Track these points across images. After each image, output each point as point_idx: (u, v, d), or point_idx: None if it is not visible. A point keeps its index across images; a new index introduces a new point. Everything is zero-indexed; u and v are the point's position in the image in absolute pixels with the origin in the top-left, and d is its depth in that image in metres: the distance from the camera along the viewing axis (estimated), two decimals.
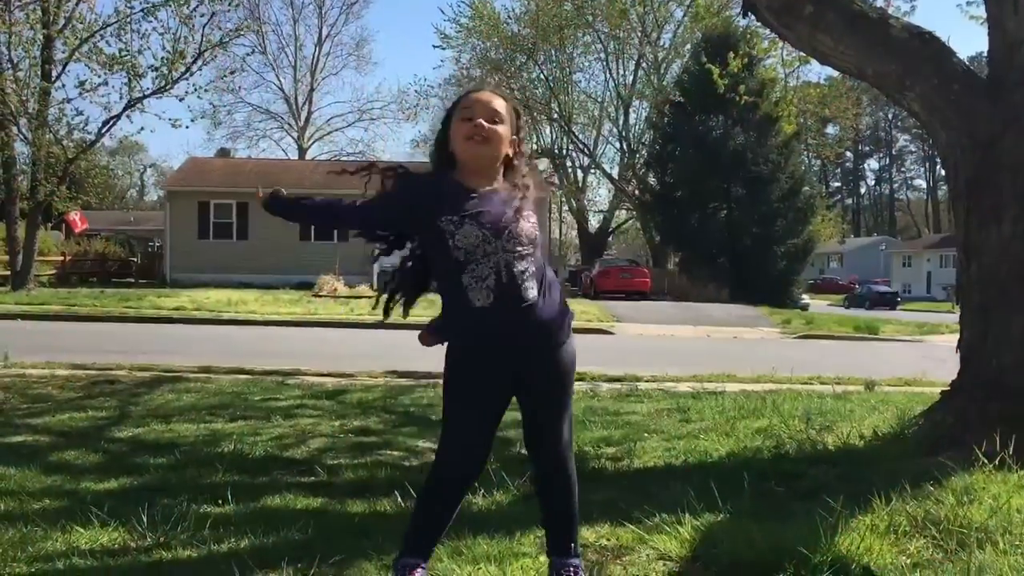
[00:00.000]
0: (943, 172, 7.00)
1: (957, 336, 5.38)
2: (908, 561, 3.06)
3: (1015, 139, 4.87)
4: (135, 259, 36.41)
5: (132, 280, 32.39)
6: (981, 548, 3.11)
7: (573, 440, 2.79)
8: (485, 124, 2.58)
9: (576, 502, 2.79)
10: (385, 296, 2.89)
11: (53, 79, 22.52)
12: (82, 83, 21.97)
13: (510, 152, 2.66)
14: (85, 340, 12.97)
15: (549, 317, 2.60)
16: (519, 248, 2.52)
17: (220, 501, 3.93)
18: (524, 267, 2.52)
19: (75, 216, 31.09)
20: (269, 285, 27.09)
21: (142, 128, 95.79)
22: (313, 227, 30.50)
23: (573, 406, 2.78)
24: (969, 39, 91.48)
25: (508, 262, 2.50)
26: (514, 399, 2.73)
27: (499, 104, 2.64)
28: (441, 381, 2.71)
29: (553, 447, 2.73)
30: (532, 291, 2.54)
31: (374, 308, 2.90)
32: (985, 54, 5.43)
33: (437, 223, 2.53)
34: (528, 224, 2.55)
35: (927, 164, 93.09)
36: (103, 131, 23.77)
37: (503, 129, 2.62)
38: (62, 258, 30.91)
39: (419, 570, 2.72)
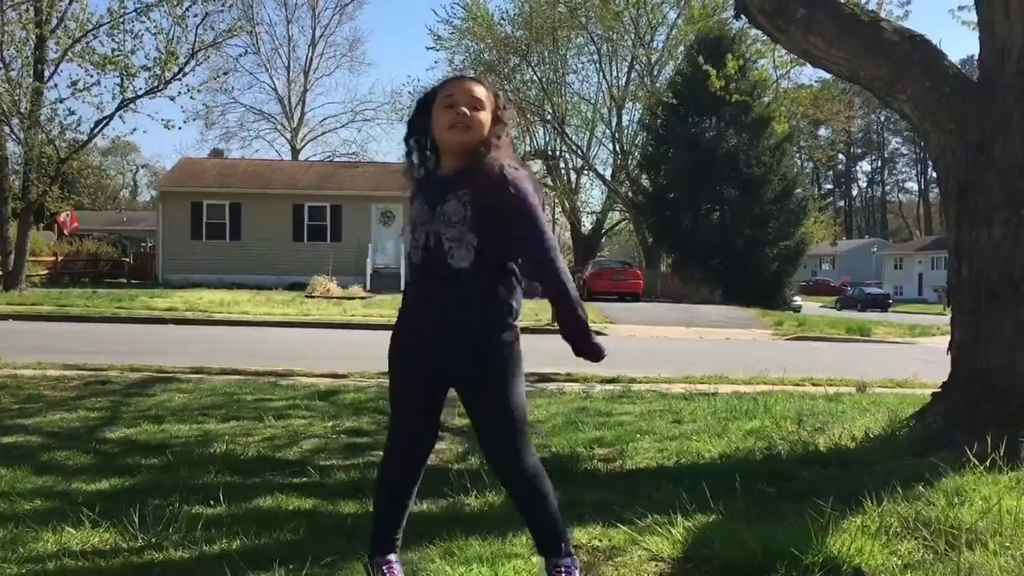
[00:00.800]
0: (935, 175, 7.02)
1: (948, 338, 5.40)
2: (899, 562, 3.07)
3: (1006, 141, 4.89)
4: (127, 259, 36.31)
5: (124, 280, 32.31)
6: (971, 549, 3.12)
7: (526, 444, 2.69)
8: (467, 112, 2.64)
9: (549, 502, 2.72)
10: None
11: (46, 79, 22.45)
12: (75, 83, 21.91)
13: (494, 140, 2.70)
14: (77, 340, 12.94)
15: (476, 294, 2.62)
16: (447, 221, 2.62)
17: (212, 502, 3.92)
18: (453, 235, 2.61)
19: (66, 217, 30.99)
20: (262, 286, 27.06)
21: (135, 128, 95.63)
22: (306, 230, 30.61)
23: (520, 408, 2.67)
24: (960, 43, 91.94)
25: (438, 230, 2.63)
26: None
27: (479, 91, 2.71)
28: None
29: (495, 454, 2.73)
30: (460, 261, 2.60)
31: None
32: (976, 57, 5.46)
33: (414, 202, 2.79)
34: (458, 206, 2.60)
35: (919, 167, 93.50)
36: (96, 131, 23.71)
37: (484, 116, 2.68)
38: (54, 258, 30.82)
39: (394, 564, 2.81)
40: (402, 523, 2.87)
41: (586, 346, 2.66)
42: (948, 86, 5.15)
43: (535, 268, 2.65)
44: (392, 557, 2.83)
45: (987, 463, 4.12)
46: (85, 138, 23.97)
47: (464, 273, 2.60)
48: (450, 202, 2.62)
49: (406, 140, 2.82)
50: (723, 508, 3.68)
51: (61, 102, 22.79)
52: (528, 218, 2.59)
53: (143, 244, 44.07)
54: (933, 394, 5.50)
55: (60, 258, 31.29)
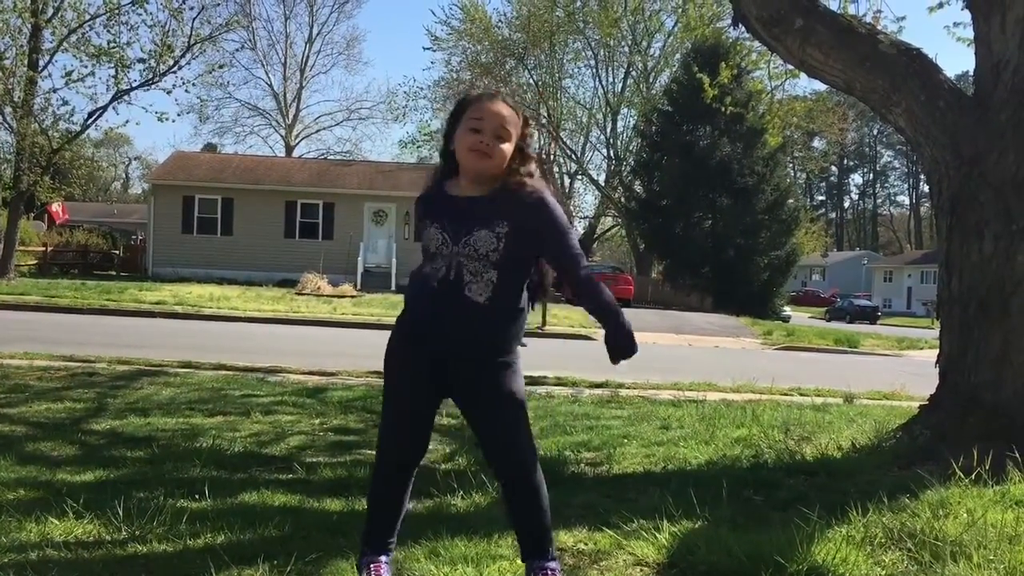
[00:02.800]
0: (927, 189, 7.04)
1: (936, 352, 5.42)
2: (883, 572, 3.08)
3: (999, 157, 4.92)
4: (117, 252, 36.12)
5: (114, 273, 32.15)
6: (955, 561, 3.13)
7: (534, 448, 2.77)
8: (489, 143, 2.62)
9: (547, 507, 2.77)
10: None
11: (40, 68, 22.34)
12: (69, 73, 21.78)
13: (514, 164, 2.69)
14: (64, 332, 12.88)
15: (485, 326, 2.65)
16: (473, 255, 2.60)
17: (197, 496, 3.91)
18: (475, 269, 2.61)
19: (57, 207, 30.83)
20: (252, 282, 26.98)
21: (128, 120, 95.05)
22: (298, 227, 30.56)
23: (525, 424, 2.74)
24: (955, 59, 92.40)
25: (459, 264, 2.61)
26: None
27: (508, 118, 2.67)
28: None
29: (505, 463, 2.75)
30: (477, 295, 2.62)
31: None
32: (971, 74, 5.49)
33: (425, 221, 2.71)
34: (490, 236, 2.59)
35: (911, 180, 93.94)
36: (89, 122, 23.60)
37: (507, 147, 2.65)
38: (44, 249, 30.64)
39: (383, 565, 2.79)
40: (396, 525, 2.85)
41: (622, 347, 2.71)
42: (943, 100, 5.17)
43: (579, 292, 2.71)
44: (383, 558, 2.81)
45: (972, 476, 4.13)
46: (78, 129, 23.85)
47: (479, 307, 2.62)
48: (481, 232, 2.60)
49: (443, 154, 2.80)
50: (709, 515, 3.69)
51: (55, 92, 22.79)
52: (567, 245, 2.65)
53: (133, 237, 43.83)
54: (920, 406, 5.52)
55: (50, 249, 31.11)
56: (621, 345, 2.67)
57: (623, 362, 2.69)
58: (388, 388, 2.80)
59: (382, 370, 2.81)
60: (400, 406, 2.77)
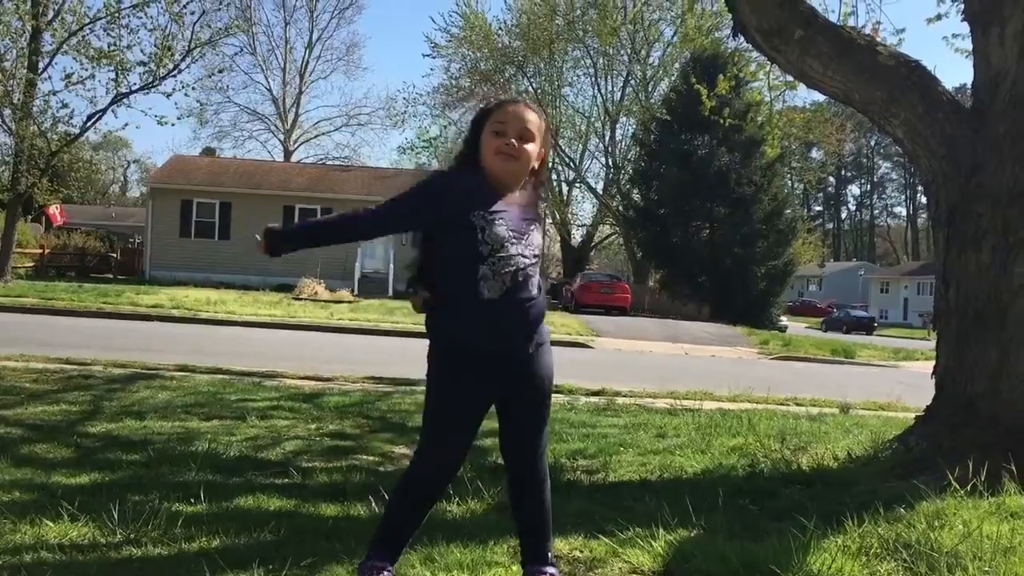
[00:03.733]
0: (924, 200, 7.06)
1: (932, 363, 5.43)
2: None
3: (996, 168, 4.93)
4: (115, 255, 36.10)
5: (111, 276, 32.12)
6: (951, 573, 3.13)
7: (548, 450, 2.85)
8: (516, 144, 2.64)
9: (549, 507, 2.84)
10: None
11: (40, 70, 22.34)
12: (68, 76, 21.77)
13: (536, 166, 2.75)
14: (61, 334, 12.86)
15: (541, 315, 2.74)
16: (533, 253, 2.69)
17: (192, 500, 3.90)
18: (533, 271, 2.69)
19: (55, 210, 30.82)
20: (249, 286, 26.97)
21: (127, 124, 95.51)
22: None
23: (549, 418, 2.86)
24: (954, 71, 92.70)
25: (523, 264, 2.64)
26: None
27: (532, 121, 2.70)
28: (422, 388, 2.74)
29: (531, 454, 2.79)
30: (535, 290, 2.70)
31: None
32: (969, 86, 5.51)
33: (469, 217, 2.61)
34: (539, 235, 2.73)
35: (908, 192, 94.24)
36: (88, 125, 23.59)
37: (532, 148, 2.69)
38: (41, 251, 30.64)
39: (387, 573, 2.77)
40: (411, 536, 2.86)
41: None
42: (941, 111, 5.19)
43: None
44: (390, 567, 2.79)
45: (968, 488, 4.14)
46: (77, 131, 23.82)
47: (536, 301, 2.70)
48: (535, 233, 2.71)
49: (460, 156, 2.83)
50: (705, 523, 3.69)
51: (54, 94, 22.75)
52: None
53: (131, 240, 43.80)
54: (916, 417, 5.52)
55: (47, 251, 31.10)
56: None
57: None
58: (445, 402, 2.71)
59: (419, 378, 2.86)
60: (457, 423, 2.71)
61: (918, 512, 3.87)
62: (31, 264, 29.04)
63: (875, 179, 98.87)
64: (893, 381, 13.98)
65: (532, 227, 2.70)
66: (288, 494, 4.20)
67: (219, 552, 3.14)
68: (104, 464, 4.66)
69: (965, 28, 5.67)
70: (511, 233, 2.62)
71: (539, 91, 41.76)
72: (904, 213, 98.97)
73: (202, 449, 5.15)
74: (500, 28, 41.34)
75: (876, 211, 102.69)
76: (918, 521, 3.70)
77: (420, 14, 75.42)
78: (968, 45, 5.58)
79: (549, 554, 2.78)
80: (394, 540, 2.80)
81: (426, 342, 2.77)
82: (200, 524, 3.50)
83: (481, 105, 2.95)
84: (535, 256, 2.70)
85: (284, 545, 3.27)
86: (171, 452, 5.04)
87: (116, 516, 3.43)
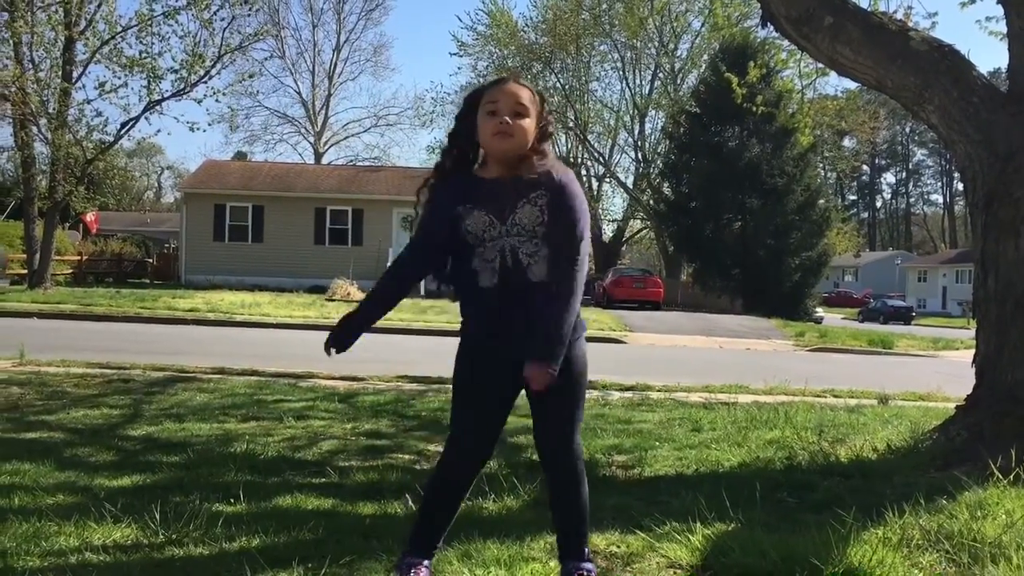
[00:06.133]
0: (960, 187, 6.94)
1: (972, 352, 5.35)
2: (920, 574, 3.04)
3: None
4: (151, 260, 36.61)
5: (147, 281, 32.60)
6: (995, 563, 3.09)
7: (582, 444, 2.81)
8: (509, 121, 2.61)
9: (586, 504, 2.82)
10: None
11: (74, 80, 22.68)
12: (102, 84, 22.07)
13: (535, 141, 2.69)
14: (100, 339, 13.05)
15: (557, 303, 2.60)
16: (523, 232, 2.60)
17: (232, 500, 3.95)
18: (531, 251, 2.60)
19: (91, 217, 31.29)
20: (283, 288, 27.20)
21: (159, 130, 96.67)
22: (328, 234, 30.78)
23: (583, 411, 2.81)
24: (989, 55, 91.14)
25: (513, 246, 2.60)
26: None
27: (523, 95, 2.67)
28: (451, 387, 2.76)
29: (559, 449, 2.77)
30: (540, 275, 2.60)
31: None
32: (1004, 70, 5.41)
33: (456, 210, 2.65)
34: (534, 210, 2.59)
35: (944, 179, 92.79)
36: (122, 132, 23.87)
37: (527, 123, 2.65)
38: (79, 258, 31.10)
39: (423, 568, 2.79)
40: (446, 530, 2.87)
41: (538, 371, 2.57)
42: (976, 96, 5.11)
43: (554, 267, 2.62)
44: (427, 563, 2.82)
45: (1011, 477, 4.07)
46: (111, 139, 24.15)
47: (542, 285, 2.60)
48: (524, 207, 2.60)
49: (451, 137, 2.77)
50: (742, 517, 3.66)
51: (88, 103, 23.11)
52: (572, 232, 2.61)
53: (166, 245, 44.38)
54: (957, 407, 5.45)
55: (85, 258, 31.57)
56: (538, 371, 2.57)
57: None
58: (463, 397, 2.77)
59: (451, 376, 2.80)
60: (478, 417, 2.74)
61: (960, 502, 3.81)
62: (70, 271, 29.49)
63: (910, 166, 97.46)
64: (932, 371, 13.80)
65: (522, 204, 2.59)
66: (326, 493, 4.23)
67: (259, 551, 3.18)
68: (145, 466, 4.73)
69: (999, 11, 5.58)
70: (491, 216, 2.60)
71: (567, 87, 41.73)
72: (940, 200, 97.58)
73: (240, 450, 5.21)
74: (526, 24, 41.43)
75: (912, 199, 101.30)
76: (960, 512, 3.65)
77: (446, 13, 75.49)
78: (1002, 28, 5.50)
79: (585, 549, 2.78)
80: (428, 535, 2.83)
81: (457, 340, 2.81)
82: (240, 524, 3.54)
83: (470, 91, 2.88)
84: (528, 233, 2.59)
85: (323, 544, 3.30)
86: (210, 453, 5.10)
87: (158, 517, 3.48)
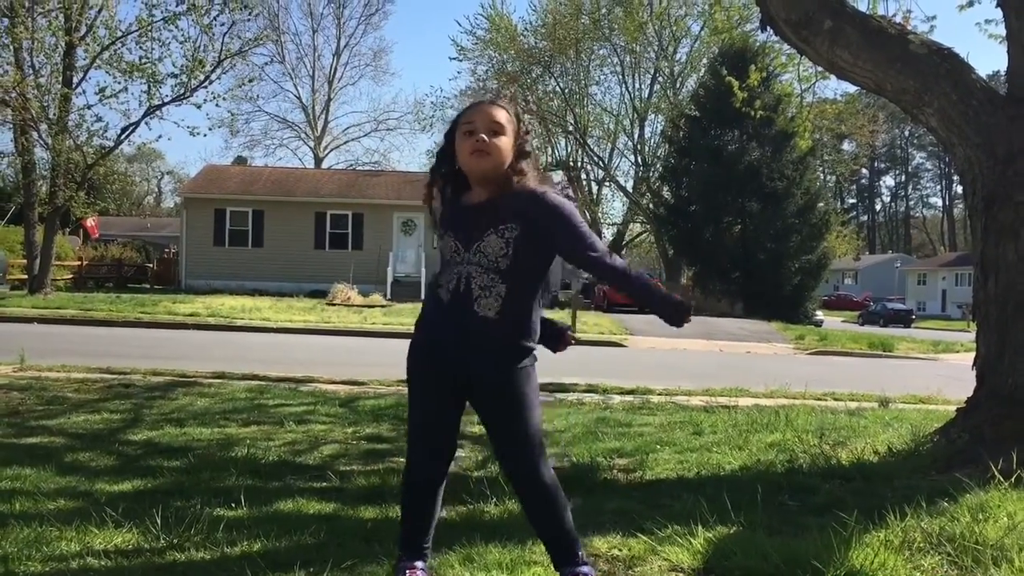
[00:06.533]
0: (959, 190, 6.94)
1: (972, 354, 5.35)
2: None
3: None
4: (151, 265, 36.62)
5: (148, 286, 32.59)
6: (997, 566, 3.09)
7: (544, 458, 2.73)
8: (486, 139, 2.64)
9: (562, 513, 2.75)
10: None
11: (74, 85, 22.70)
12: (102, 90, 22.08)
13: (512, 160, 2.71)
14: (100, 344, 13.06)
15: (497, 338, 2.65)
16: (484, 263, 2.63)
17: (233, 504, 3.94)
18: (484, 283, 2.63)
19: (91, 222, 31.28)
20: (283, 292, 27.19)
21: (160, 135, 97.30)
22: (328, 238, 30.80)
23: (538, 426, 2.72)
24: (987, 58, 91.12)
25: (469, 274, 2.64)
26: None
27: (499, 115, 2.70)
28: None
29: (513, 465, 2.76)
30: (486, 310, 2.63)
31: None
32: (1003, 73, 5.42)
33: (442, 234, 2.77)
34: (499, 241, 2.61)
35: (943, 182, 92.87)
36: (122, 138, 23.89)
37: (504, 141, 2.68)
38: (79, 263, 31.13)
39: (419, 571, 2.81)
40: (429, 530, 2.87)
41: (674, 313, 2.67)
42: (975, 99, 5.12)
43: (608, 281, 2.72)
44: (419, 564, 2.84)
45: (1012, 479, 4.07)
46: (112, 144, 24.17)
47: (489, 321, 2.63)
48: (490, 237, 2.62)
49: (433, 172, 2.82)
50: (744, 520, 3.66)
51: (89, 108, 23.04)
52: (574, 231, 2.62)
53: (166, 250, 44.38)
54: (958, 410, 5.45)
55: (85, 263, 31.60)
56: (674, 313, 2.66)
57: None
58: (411, 399, 2.83)
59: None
60: (423, 418, 2.79)
61: (961, 505, 3.81)
62: (70, 276, 29.51)
63: (909, 170, 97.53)
64: (933, 374, 13.80)
65: (489, 234, 2.61)
66: (327, 497, 4.24)
67: (261, 555, 3.18)
68: (146, 471, 4.73)
69: (998, 14, 5.59)
70: (458, 243, 2.67)
71: (567, 90, 41.76)
72: (940, 203, 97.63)
73: (241, 454, 5.20)
74: (526, 29, 41.45)
75: (911, 202, 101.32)
76: (961, 514, 3.65)
77: (446, 18, 75.62)
78: (1001, 31, 5.50)
79: (579, 553, 2.77)
80: (413, 537, 2.85)
81: None
82: (242, 528, 3.54)
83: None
84: (490, 264, 2.61)
85: (324, 548, 3.30)
86: (211, 458, 5.10)
87: (159, 522, 3.48)
